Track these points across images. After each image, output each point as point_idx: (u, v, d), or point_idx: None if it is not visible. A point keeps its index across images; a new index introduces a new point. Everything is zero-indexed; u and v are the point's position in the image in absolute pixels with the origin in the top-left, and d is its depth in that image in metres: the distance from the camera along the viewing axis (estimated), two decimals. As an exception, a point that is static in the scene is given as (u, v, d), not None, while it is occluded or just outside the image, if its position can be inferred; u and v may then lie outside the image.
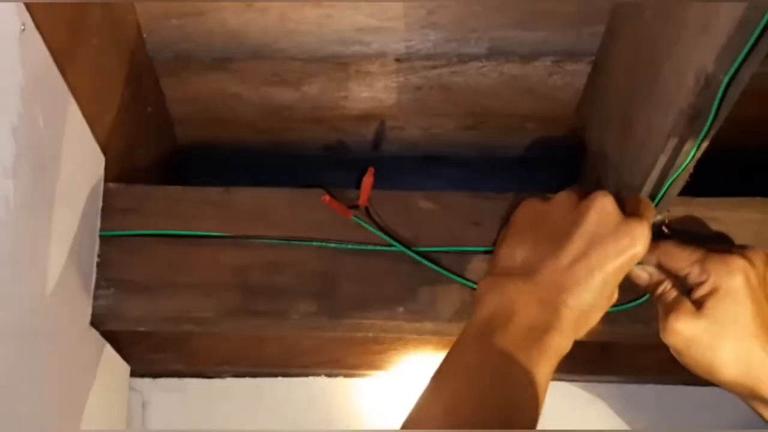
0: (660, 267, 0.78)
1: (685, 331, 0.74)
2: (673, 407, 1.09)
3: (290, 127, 1.08)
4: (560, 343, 0.68)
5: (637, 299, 0.81)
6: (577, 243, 0.70)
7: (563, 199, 0.74)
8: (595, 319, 0.71)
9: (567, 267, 0.69)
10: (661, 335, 0.76)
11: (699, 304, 0.74)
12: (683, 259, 0.76)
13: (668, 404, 1.09)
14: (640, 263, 0.75)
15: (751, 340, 0.73)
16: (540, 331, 0.67)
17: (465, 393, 0.65)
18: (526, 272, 0.70)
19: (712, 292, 0.74)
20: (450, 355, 0.68)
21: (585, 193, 0.74)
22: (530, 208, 0.76)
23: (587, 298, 0.69)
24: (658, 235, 0.80)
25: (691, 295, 0.75)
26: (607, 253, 0.69)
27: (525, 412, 0.65)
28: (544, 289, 0.69)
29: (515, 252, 0.73)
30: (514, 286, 0.70)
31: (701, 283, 0.74)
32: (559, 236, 0.71)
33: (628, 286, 0.76)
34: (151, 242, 0.83)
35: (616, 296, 0.74)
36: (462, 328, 0.70)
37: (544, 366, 0.66)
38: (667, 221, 0.81)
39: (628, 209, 0.72)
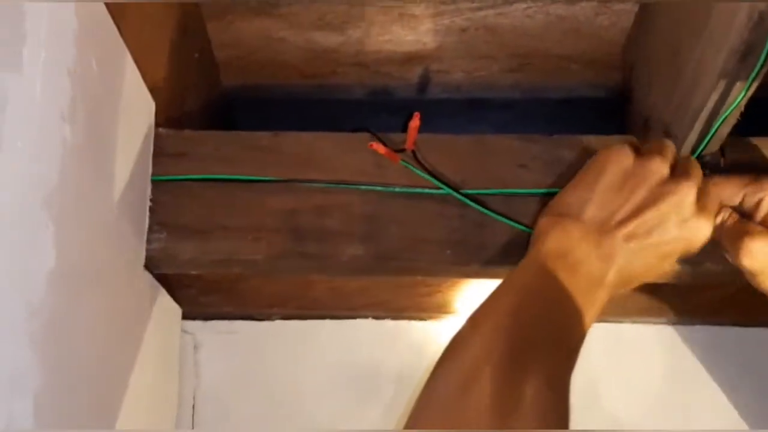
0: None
1: (762, 250, 0.73)
2: (722, 348, 1.09)
3: (335, 71, 1.08)
4: (603, 298, 0.71)
5: None
6: (647, 221, 0.71)
7: (655, 168, 0.73)
8: (631, 286, 0.74)
9: (626, 237, 0.71)
10: (737, 260, 0.74)
11: (764, 222, 0.74)
12: (735, 185, 0.76)
13: (716, 345, 1.09)
14: None
15: None
16: (594, 282, 0.70)
17: (528, 307, 0.68)
18: (592, 227, 0.72)
19: None
20: (511, 277, 0.71)
21: (674, 160, 0.74)
22: (619, 163, 0.74)
23: (631, 268, 0.72)
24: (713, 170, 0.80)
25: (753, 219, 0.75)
26: (666, 240, 0.72)
27: (574, 333, 0.68)
28: (603, 248, 0.71)
29: (588, 202, 0.74)
30: (578, 234, 0.72)
31: (759, 202, 0.74)
32: (634, 206, 0.72)
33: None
34: (201, 186, 0.84)
35: (671, 265, 0.75)
36: (521, 261, 0.73)
37: (590, 313, 0.69)
38: (707, 172, 0.81)
39: (701, 201, 0.73)
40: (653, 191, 0.72)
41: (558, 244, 0.72)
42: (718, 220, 0.77)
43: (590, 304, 0.69)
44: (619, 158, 0.74)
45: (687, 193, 0.72)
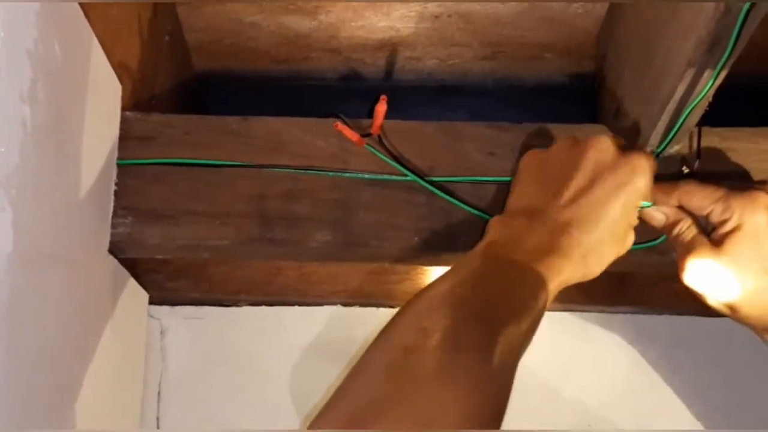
0: (681, 207, 0.77)
1: (704, 270, 0.74)
2: (687, 338, 1.10)
3: (307, 56, 1.08)
4: (566, 268, 0.69)
5: (654, 240, 0.81)
6: (578, 180, 0.72)
7: (562, 144, 0.76)
8: (606, 255, 0.73)
9: (569, 203, 0.71)
10: (681, 275, 0.76)
11: (718, 242, 0.74)
12: (705, 197, 0.75)
13: (681, 335, 1.10)
14: (651, 205, 0.76)
15: None
16: (546, 254, 0.69)
17: (466, 282, 0.67)
18: (533, 212, 0.73)
19: (735, 230, 0.73)
20: (451, 269, 0.70)
21: (617, 151, 0.74)
22: (533, 157, 0.78)
23: (594, 233, 0.71)
24: (677, 177, 0.80)
25: (711, 234, 0.75)
26: (608, 186, 0.71)
27: (522, 313, 0.65)
28: (549, 225, 0.71)
29: (522, 197, 0.76)
30: (521, 223, 0.72)
31: (724, 221, 0.74)
32: (561, 177, 0.73)
33: (644, 230, 0.78)
34: (168, 171, 0.84)
35: (631, 238, 0.75)
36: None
37: (545, 283, 0.67)
38: (685, 169, 0.81)
39: (625, 149, 0.74)
40: (569, 157, 0.74)
41: (501, 235, 0.72)
42: (677, 229, 0.77)
43: (546, 274, 0.68)
44: (532, 155, 0.79)
45: (599, 139, 0.73)
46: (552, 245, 0.70)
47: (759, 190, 0.74)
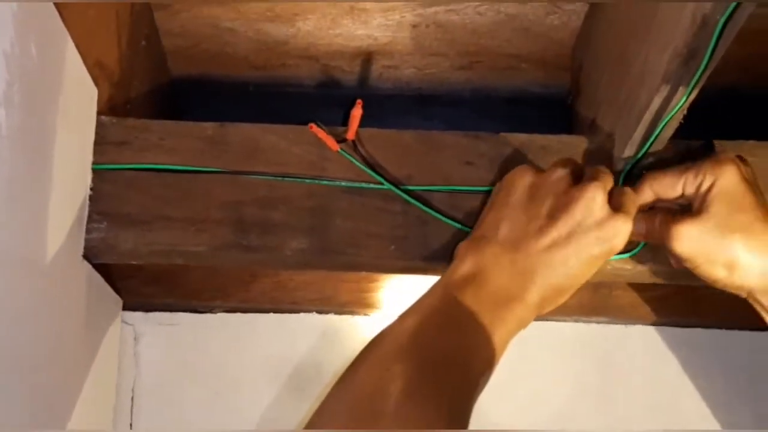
0: (651, 208, 0.78)
1: (691, 233, 0.74)
2: (660, 348, 1.10)
3: (285, 63, 1.08)
4: (522, 316, 0.71)
5: (632, 249, 0.81)
6: (560, 229, 0.71)
7: (558, 177, 0.74)
8: (561, 300, 0.73)
9: (545, 249, 0.71)
10: (669, 247, 0.75)
11: (699, 208, 0.75)
12: (673, 175, 0.76)
13: (655, 345, 1.10)
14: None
15: (760, 224, 0.73)
16: (505, 300, 0.70)
17: (425, 327, 0.68)
18: (506, 245, 0.73)
19: (709, 189, 0.74)
20: (419, 301, 0.71)
21: (580, 171, 0.75)
22: (523, 180, 0.76)
23: (556, 281, 0.71)
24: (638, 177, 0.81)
25: (690, 209, 0.76)
26: (585, 244, 0.71)
27: (478, 359, 0.68)
28: (518, 264, 0.71)
29: (501, 222, 0.74)
30: (492, 254, 0.72)
31: (698, 187, 0.75)
32: (545, 217, 0.72)
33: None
34: (143, 176, 0.83)
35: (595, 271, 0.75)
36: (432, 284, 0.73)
37: (501, 331, 0.69)
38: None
39: (614, 201, 0.73)
40: (561, 198, 0.72)
41: (470, 267, 0.72)
42: (656, 222, 0.77)
43: (500, 323, 0.69)
44: (522, 175, 0.76)
45: (594, 192, 0.71)
46: (515, 292, 0.70)
47: (719, 153, 0.76)
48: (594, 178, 0.73)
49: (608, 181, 0.74)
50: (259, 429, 1.07)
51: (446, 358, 0.66)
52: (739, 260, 0.73)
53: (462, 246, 0.75)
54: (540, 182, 0.75)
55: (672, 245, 0.75)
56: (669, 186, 0.77)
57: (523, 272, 0.71)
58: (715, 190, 0.74)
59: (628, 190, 0.76)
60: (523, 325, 0.71)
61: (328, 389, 0.65)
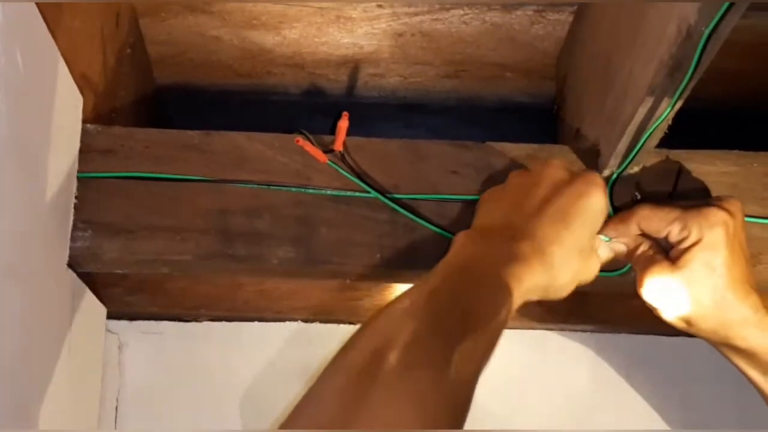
0: (640, 234, 0.79)
1: (661, 286, 0.76)
2: (646, 356, 1.11)
3: (270, 71, 1.08)
4: (528, 276, 0.69)
5: (619, 269, 0.82)
6: (540, 191, 0.74)
7: (517, 172, 0.78)
8: (571, 268, 0.73)
9: (535, 212, 0.73)
10: (639, 291, 0.77)
11: (675, 259, 0.75)
12: (662, 219, 0.77)
13: (640, 353, 1.11)
14: (610, 240, 0.79)
15: (726, 290, 0.74)
16: (511, 266, 0.69)
17: (437, 291, 0.67)
18: (499, 226, 0.74)
19: (692, 246, 0.75)
20: (415, 284, 0.69)
21: (570, 171, 0.76)
22: (492, 191, 0.79)
23: (558, 241, 0.71)
24: (631, 204, 0.81)
25: (671, 252, 0.77)
26: (568, 196, 0.73)
27: (484, 327, 0.65)
28: (516, 235, 0.71)
29: (487, 214, 0.77)
30: (486, 234, 0.73)
31: (682, 240, 0.75)
32: (523, 193, 0.75)
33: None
34: (129, 184, 0.83)
35: (595, 265, 0.76)
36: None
37: (510, 292, 0.67)
38: (637, 195, 0.82)
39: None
40: (526, 183, 0.75)
41: (469, 254, 0.72)
42: (637, 253, 0.79)
43: (512, 287, 0.68)
44: (491, 189, 0.80)
45: (552, 164, 0.75)
46: (515, 253, 0.70)
47: (713, 207, 0.76)
48: (585, 171, 0.78)
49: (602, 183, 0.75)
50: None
51: (452, 326, 0.63)
52: (696, 319, 0.76)
53: (460, 235, 0.75)
54: (505, 184, 0.78)
55: (640, 291, 0.77)
56: (655, 228, 0.77)
57: (521, 237, 0.71)
58: (695, 250, 0.75)
59: (641, 221, 0.78)
60: (534, 291, 0.71)
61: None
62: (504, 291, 0.67)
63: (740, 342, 0.76)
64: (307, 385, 0.61)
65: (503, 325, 0.67)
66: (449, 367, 0.60)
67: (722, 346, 0.79)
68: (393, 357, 0.59)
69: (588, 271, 0.75)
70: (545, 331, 1.11)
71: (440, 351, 0.61)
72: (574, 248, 0.72)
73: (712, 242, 0.74)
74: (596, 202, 0.73)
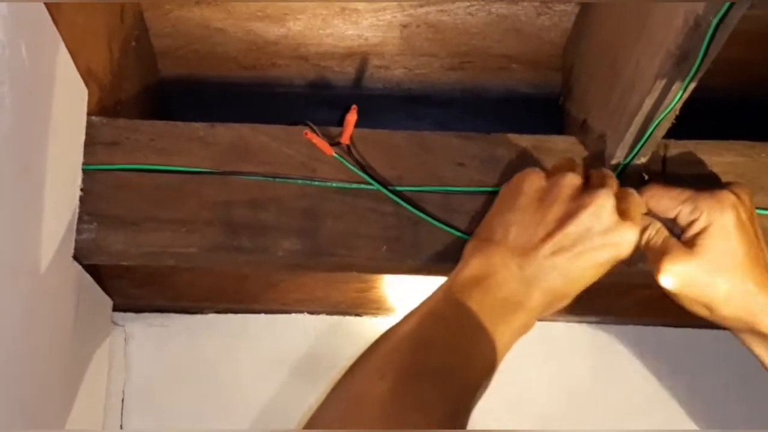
0: (648, 213, 0.78)
1: (680, 272, 0.74)
2: (650, 348, 1.11)
3: (275, 63, 1.07)
4: (526, 322, 0.71)
5: None
6: (569, 235, 0.71)
7: (568, 182, 0.73)
8: (563, 304, 0.73)
9: (553, 254, 0.71)
10: (657, 279, 0.76)
11: (690, 243, 0.74)
12: (673, 199, 0.76)
13: (645, 344, 1.11)
14: None
15: (745, 274, 0.74)
16: (512, 307, 0.70)
17: (427, 332, 0.68)
18: (515, 248, 0.72)
19: (704, 230, 0.74)
20: (423, 302, 0.71)
21: (585, 173, 0.75)
22: (532, 183, 0.75)
23: (561, 286, 0.71)
24: (639, 182, 0.81)
25: (680, 236, 0.76)
26: (592, 250, 0.71)
27: (476, 366, 0.67)
28: (525, 270, 0.71)
29: (510, 225, 0.74)
30: (500, 257, 0.72)
31: (693, 222, 0.75)
32: (554, 222, 0.72)
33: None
34: (134, 177, 0.83)
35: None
36: (444, 279, 0.73)
37: (505, 336, 0.69)
38: (646, 177, 0.82)
39: (620, 206, 0.72)
40: (570, 204, 0.72)
41: (478, 270, 0.72)
42: (646, 235, 0.77)
43: (505, 329, 0.69)
44: (532, 179, 0.75)
45: (604, 200, 0.71)
46: (521, 299, 0.70)
47: (725, 190, 0.75)
48: (602, 184, 0.73)
49: (615, 187, 0.73)
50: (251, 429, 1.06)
51: (445, 367, 0.65)
52: (718, 305, 0.75)
53: (469, 246, 0.75)
54: (549, 186, 0.74)
55: (660, 279, 0.75)
56: (665, 208, 0.77)
57: (530, 278, 0.71)
58: (708, 232, 0.74)
59: (634, 194, 0.76)
60: (526, 329, 0.71)
61: (322, 390, 0.64)
62: (500, 337, 0.69)
63: (765, 327, 0.75)
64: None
65: (495, 369, 0.69)
66: (435, 413, 0.62)
67: (745, 333, 0.77)
68: (387, 396, 0.61)
69: (602, 273, 0.74)
70: (551, 323, 1.11)
71: (428, 396, 0.63)
72: (576, 292, 0.73)
73: (724, 226, 0.73)
74: (620, 256, 0.72)
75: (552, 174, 0.75)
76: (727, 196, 0.74)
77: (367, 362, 0.66)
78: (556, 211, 0.72)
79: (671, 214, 0.76)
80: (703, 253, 0.74)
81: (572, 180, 0.73)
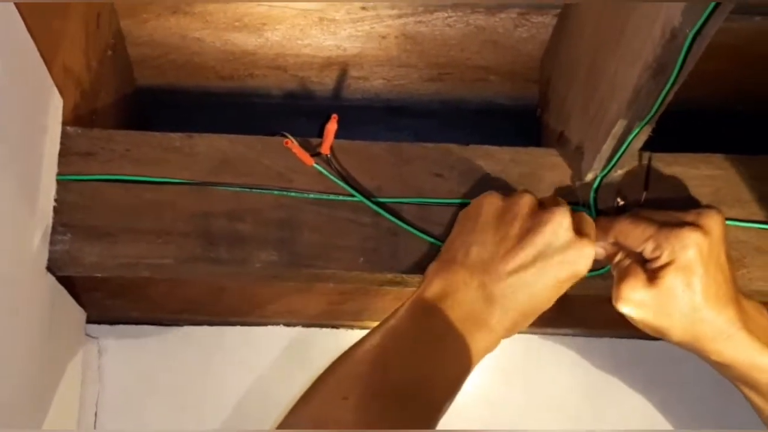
0: (617, 244, 0.79)
1: (636, 299, 0.76)
2: (627, 360, 1.11)
3: (253, 73, 1.07)
4: (488, 342, 0.72)
5: (598, 269, 0.82)
6: (528, 251, 0.72)
7: (525, 201, 0.75)
8: (527, 323, 0.75)
9: (513, 272, 0.72)
10: (614, 303, 0.78)
11: (653, 274, 0.75)
12: (637, 237, 0.77)
13: (622, 357, 1.11)
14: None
15: (700, 308, 0.75)
16: (475, 325, 0.71)
17: (388, 352, 0.68)
18: (476, 266, 0.73)
19: (666, 266, 0.75)
20: (384, 321, 0.72)
21: (542, 201, 0.77)
22: (491, 205, 0.77)
23: (523, 305, 0.73)
24: (614, 209, 0.82)
25: (646, 264, 0.77)
26: (552, 266, 0.72)
27: (439, 384, 0.68)
28: (486, 288, 0.72)
29: (471, 246, 0.75)
30: (462, 276, 0.73)
31: (656, 258, 0.76)
32: (514, 238, 0.73)
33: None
34: (109, 187, 0.82)
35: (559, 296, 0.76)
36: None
37: (468, 356, 0.70)
38: (620, 202, 0.82)
39: (575, 226, 0.74)
40: (528, 221, 0.74)
41: (440, 289, 0.72)
42: (616, 259, 0.79)
43: (467, 348, 0.70)
44: (490, 200, 0.77)
45: (562, 217, 0.73)
46: (483, 316, 0.71)
47: (687, 228, 0.75)
48: (557, 202, 0.75)
49: (568, 208, 0.75)
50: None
51: (407, 387, 0.66)
52: (669, 333, 0.77)
53: (431, 268, 0.76)
54: (507, 206, 0.76)
55: (615, 303, 0.77)
56: (631, 242, 0.77)
57: (492, 296, 0.72)
58: (669, 270, 0.75)
59: (585, 215, 0.78)
60: (489, 349, 0.72)
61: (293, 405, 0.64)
62: (463, 354, 0.69)
63: (715, 356, 0.77)
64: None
65: (459, 387, 0.70)
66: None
67: (698, 355, 0.79)
68: (349, 415, 0.62)
69: (563, 291, 0.75)
70: (528, 335, 1.11)
71: (392, 413, 0.63)
72: (539, 311, 0.74)
73: (685, 264, 0.74)
74: (580, 274, 0.74)
75: (509, 196, 0.77)
76: (687, 235, 0.75)
77: (327, 383, 0.66)
78: (515, 228, 0.74)
79: (637, 250, 0.77)
80: (661, 285, 0.75)
81: (529, 199, 0.76)
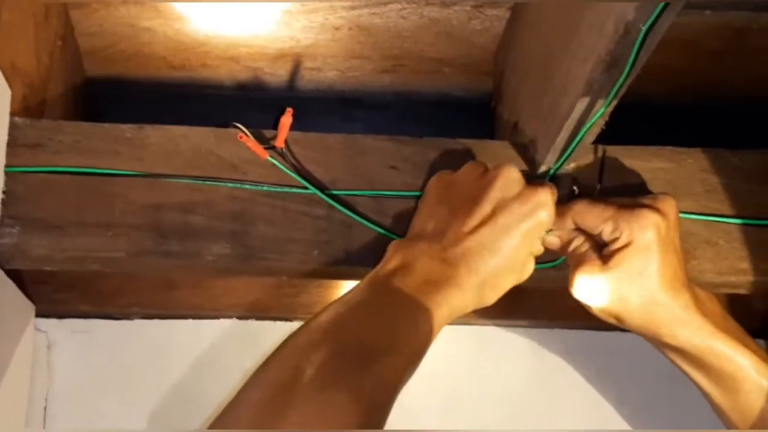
0: (575, 229, 0.79)
1: (591, 284, 0.77)
2: (580, 352, 1.12)
3: (205, 64, 1.06)
4: (458, 299, 0.71)
5: (553, 260, 0.82)
6: (483, 208, 0.73)
7: (471, 169, 0.77)
8: (503, 285, 0.74)
9: (473, 230, 0.72)
10: (571, 289, 0.78)
11: (607, 258, 0.76)
12: (595, 218, 0.77)
13: (574, 348, 1.12)
14: (551, 230, 0.78)
15: (656, 291, 0.75)
16: (437, 285, 0.70)
17: (348, 315, 0.67)
18: (434, 236, 0.74)
19: (624, 247, 0.75)
20: (343, 294, 0.70)
21: (523, 183, 0.76)
22: (440, 180, 0.79)
23: (492, 262, 0.72)
24: (569, 197, 0.81)
25: (604, 249, 0.77)
26: (511, 217, 0.72)
27: (399, 349, 0.66)
28: (448, 250, 0.72)
29: (426, 221, 0.76)
30: (419, 248, 0.73)
31: (614, 240, 0.76)
32: (467, 203, 0.74)
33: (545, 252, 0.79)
34: (59, 179, 0.81)
35: (531, 266, 0.76)
36: None
37: (432, 317, 0.68)
38: (576, 190, 0.82)
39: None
40: (479, 182, 0.75)
41: (400, 261, 0.72)
42: (572, 245, 0.79)
43: (431, 309, 0.68)
44: (440, 177, 0.80)
45: (509, 171, 0.74)
46: (446, 274, 0.71)
47: (646, 209, 0.76)
48: (499, 167, 0.75)
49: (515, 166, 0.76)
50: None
51: (369, 346, 0.65)
52: (626, 317, 0.78)
53: (391, 246, 0.75)
54: (454, 177, 0.78)
55: (571, 289, 0.78)
56: (588, 225, 0.78)
57: (453, 258, 0.71)
58: (627, 250, 0.75)
59: (575, 217, 0.78)
60: (460, 310, 0.71)
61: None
62: (426, 315, 0.68)
63: (670, 339, 0.78)
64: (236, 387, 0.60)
65: (424, 349, 0.68)
66: (362, 391, 0.61)
67: (653, 341, 0.80)
68: (307, 377, 0.60)
69: (522, 277, 0.76)
70: (482, 327, 1.11)
71: (353, 374, 0.62)
72: (510, 267, 0.74)
73: (643, 245, 0.75)
74: (541, 221, 0.74)
75: (457, 170, 0.78)
76: (646, 216, 0.76)
77: (283, 349, 0.64)
78: (467, 192, 0.74)
79: (595, 232, 0.77)
80: (615, 268, 0.75)
81: (476, 165, 0.77)
